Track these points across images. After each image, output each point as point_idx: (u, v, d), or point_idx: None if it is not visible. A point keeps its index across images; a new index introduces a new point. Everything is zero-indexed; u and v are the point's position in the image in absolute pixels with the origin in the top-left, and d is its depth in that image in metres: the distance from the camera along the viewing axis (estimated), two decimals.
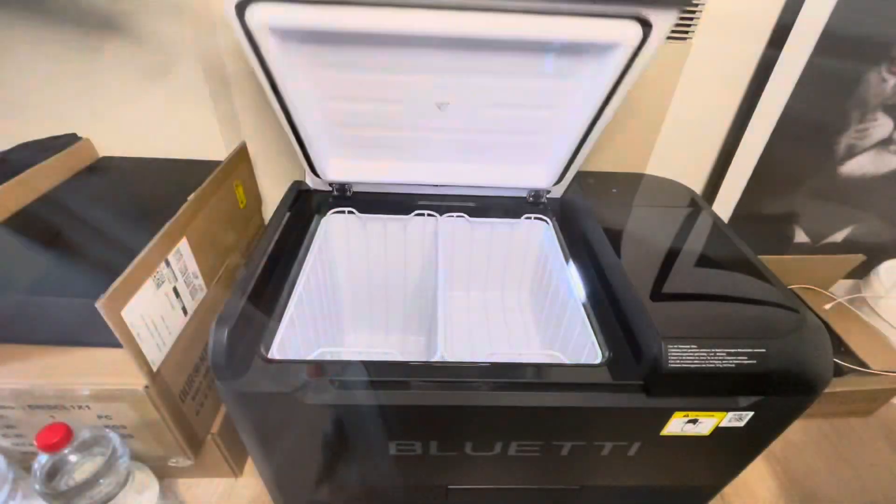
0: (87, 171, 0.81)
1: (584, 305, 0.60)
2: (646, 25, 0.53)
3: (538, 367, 0.50)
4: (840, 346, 0.95)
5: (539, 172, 0.74)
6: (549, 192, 0.76)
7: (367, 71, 0.59)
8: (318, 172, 0.72)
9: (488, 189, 0.76)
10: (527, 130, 0.68)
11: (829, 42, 0.81)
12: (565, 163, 0.70)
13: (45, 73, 0.76)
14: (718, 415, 0.48)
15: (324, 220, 0.74)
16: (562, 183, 0.75)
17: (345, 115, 0.65)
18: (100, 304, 0.48)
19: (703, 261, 0.59)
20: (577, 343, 0.59)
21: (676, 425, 0.49)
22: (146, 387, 0.57)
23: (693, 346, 0.45)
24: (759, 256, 0.59)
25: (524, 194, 0.77)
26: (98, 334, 0.53)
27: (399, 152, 0.72)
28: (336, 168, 0.73)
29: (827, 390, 0.49)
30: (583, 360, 0.54)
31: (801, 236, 1.11)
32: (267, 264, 0.57)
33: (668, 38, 0.79)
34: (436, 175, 0.74)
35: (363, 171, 0.73)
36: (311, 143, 0.67)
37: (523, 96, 0.63)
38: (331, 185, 0.75)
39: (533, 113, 0.65)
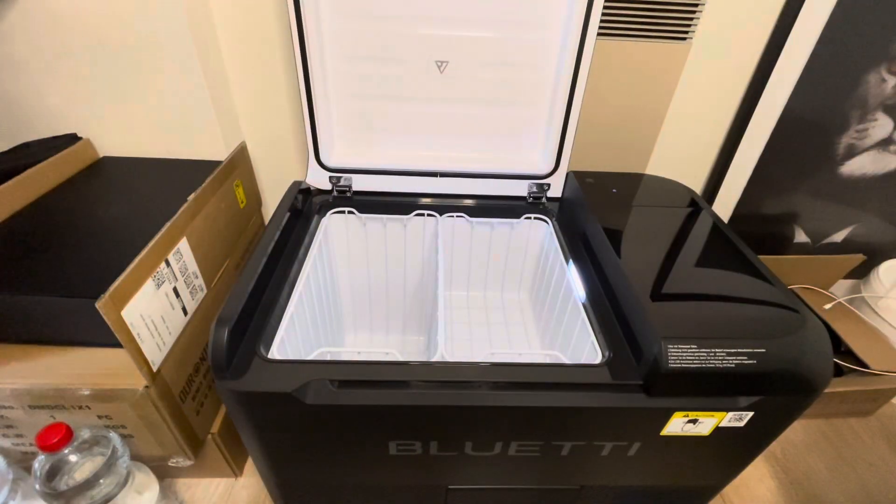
0: (87, 171, 0.81)
1: (584, 305, 0.60)
2: None
3: (538, 367, 0.50)
4: (840, 346, 0.95)
5: (534, 157, 0.76)
6: (548, 186, 0.76)
7: (377, 20, 0.65)
8: (322, 159, 0.73)
9: (488, 186, 0.76)
10: (518, 100, 0.71)
11: (829, 42, 0.81)
12: (558, 139, 0.72)
13: (45, 73, 0.76)
14: (718, 415, 0.48)
15: (324, 220, 0.74)
16: (558, 172, 0.75)
17: (353, 80, 0.70)
18: (100, 304, 0.48)
19: (703, 261, 0.59)
20: (577, 343, 0.59)
21: (676, 425, 0.49)
22: (146, 387, 0.57)
23: (693, 346, 0.45)
24: (759, 256, 0.59)
25: (524, 192, 0.77)
26: (98, 334, 0.53)
27: (400, 135, 0.74)
28: (340, 153, 0.75)
29: (827, 390, 0.49)
30: (583, 360, 0.54)
31: (801, 236, 1.11)
32: (267, 264, 0.57)
33: (668, 38, 0.79)
34: (435, 162, 0.75)
35: (365, 157, 0.75)
36: (321, 122, 0.70)
37: (512, 51, 0.67)
38: (331, 181, 0.75)
39: (521, 75, 0.69)
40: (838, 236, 1.11)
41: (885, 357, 0.92)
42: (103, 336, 0.51)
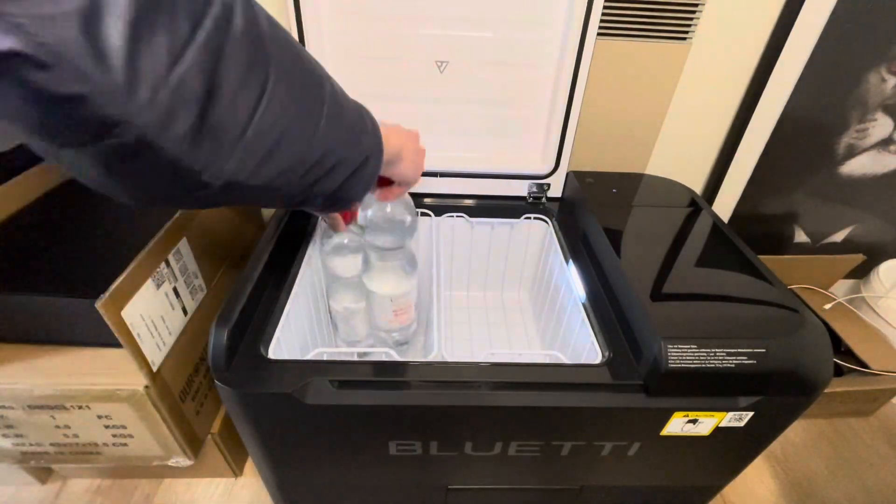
0: None
1: (584, 305, 0.60)
2: None
3: (538, 367, 0.50)
4: (840, 346, 0.95)
5: (534, 157, 0.76)
6: (548, 186, 0.76)
7: (377, 21, 0.64)
8: None
9: (488, 186, 0.76)
10: (518, 100, 0.71)
11: (829, 42, 0.81)
12: (558, 139, 0.72)
13: None
14: (718, 415, 0.48)
15: (323, 220, 0.74)
16: (558, 172, 0.75)
17: (353, 80, 0.67)
18: (100, 304, 0.48)
19: (703, 261, 0.59)
20: (577, 343, 0.59)
21: (676, 425, 0.49)
22: (146, 387, 0.57)
23: (693, 346, 0.45)
24: (759, 256, 0.59)
25: (524, 192, 0.77)
26: (98, 334, 0.53)
27: None
28: None
29: (827, 390, 0.49)
30: (583, 360, 0.54)
31: (801, 236, 1.11)
32: (266, 264, 0.57)
33: (668, 38, 0.79)
34: (435, 162, 0.74)
35: None
36: None
37: (512, 51, 0.67)
38: None
39: (522, 73, 0.69)
40: (838, 236, 1.11)
41: (885, 357, 0.92)
42: (103, 336, 0.51)
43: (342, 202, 0.40)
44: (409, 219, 0.55)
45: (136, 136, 0.23)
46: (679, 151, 0.96)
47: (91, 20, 0.20)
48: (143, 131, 0.23)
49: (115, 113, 0.22)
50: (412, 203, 0.57)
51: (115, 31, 0.21)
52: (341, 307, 0.63)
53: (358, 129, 0.39)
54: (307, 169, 0.33)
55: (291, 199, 0.36)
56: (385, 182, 0.50)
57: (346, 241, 0.58)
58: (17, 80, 0.20)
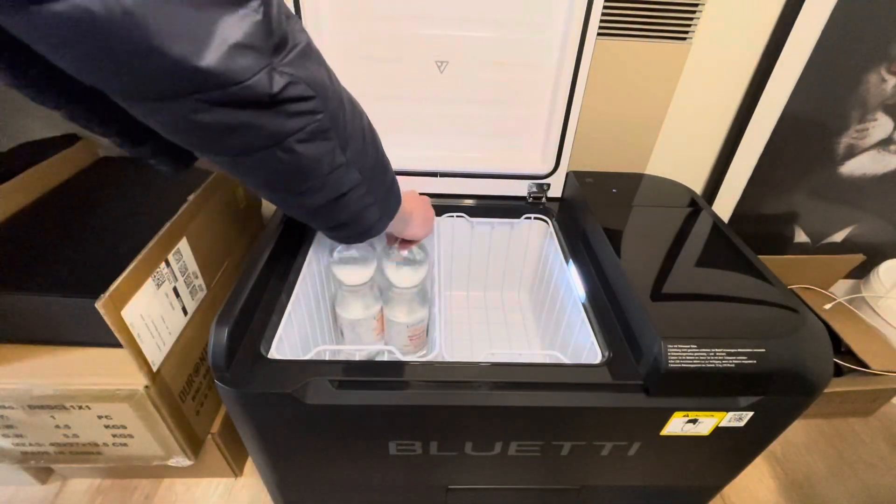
0: (87, 171, 0.81)
1: (584, 305, 0.60)
2: None
3: (538, 367, 0.50)
4: (840, 346, 0.95)
5: (534, 157, 0.76)
6: (548, 186, 0.76)
7: (377, 20, 0.64)
8: None
9: (488, 186, 0.76)
10: (518, 100, 0.71)
11: (829, 42, 0.81)
12: (558, 139, 0.72)
13: None
14: (718, 415, 0.48)
15: None
16: (558, 172, 0.75)
17: (353, 80, 0.69)
18: (100, 304, 0.48)
19: (703, 261, 0.59)
20: (577, 343, 0.59)
21: (676, 425, 0.49)
22: (146, 387, 0.57)
23: (693, 346, 0.45)
24: (759, 256, 0.59)
25: (524, 192, 0.77)
26: (98, 334, 0.53)
27: (400, 135, 0.74)
28: None
29: (827, 390, 0.49)
30: (583, 360, 0.54)
31: (801, 236, 1.11)
32: (266, 264, 0.57)
33: (668, 38, 0.79)
34: (435, 162, 0.75)
35: None
36: None
37: (512, 51, 0.67)
38: None
39: (522, 73, 0.69)
40: (838, 236, 1.11)
41: (885, 357, 0.92)
42: (103, 336, 0.51)
43: (349, 238, 0.46)
44: (421, 262, 0.63)
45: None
46: (679, 151, 0.96)
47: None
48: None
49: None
50: (426, 249, 0.64)
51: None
52: (349, 315, 0.64)
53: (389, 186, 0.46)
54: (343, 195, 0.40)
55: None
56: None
57: (354, 252, 0.61)
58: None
